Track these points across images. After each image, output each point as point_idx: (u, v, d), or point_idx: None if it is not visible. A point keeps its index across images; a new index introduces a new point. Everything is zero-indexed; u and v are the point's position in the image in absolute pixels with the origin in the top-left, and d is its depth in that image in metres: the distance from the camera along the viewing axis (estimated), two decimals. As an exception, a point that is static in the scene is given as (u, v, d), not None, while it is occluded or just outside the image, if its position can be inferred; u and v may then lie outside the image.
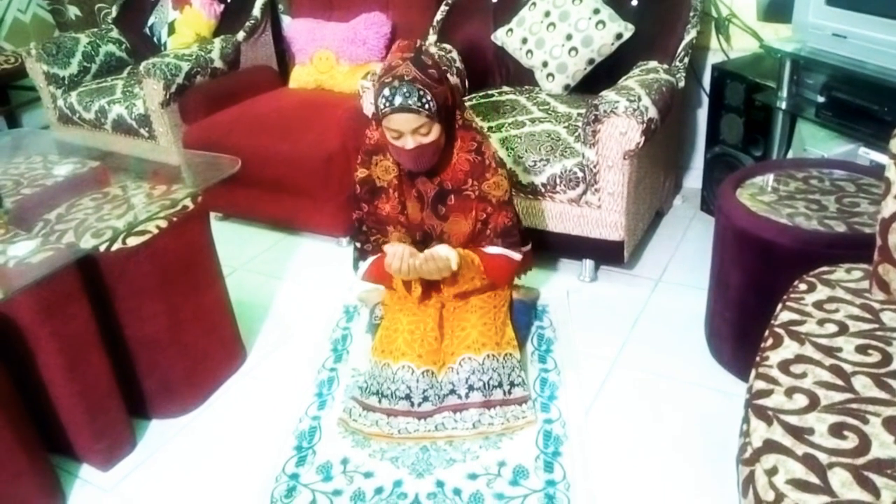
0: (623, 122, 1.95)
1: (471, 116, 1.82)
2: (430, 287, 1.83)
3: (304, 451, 1.72)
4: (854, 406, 1.05)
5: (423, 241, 1.81)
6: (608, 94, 2.01)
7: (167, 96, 2.85)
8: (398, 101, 1.55)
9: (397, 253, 1.67)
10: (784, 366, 1.16)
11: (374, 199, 1.80)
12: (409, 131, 1.60)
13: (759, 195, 1.82)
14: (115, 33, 3.55)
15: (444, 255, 1.69)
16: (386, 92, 1.57)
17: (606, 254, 2.23)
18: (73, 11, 4.00)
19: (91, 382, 1.64)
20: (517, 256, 1.84)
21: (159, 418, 1.89)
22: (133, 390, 1.81)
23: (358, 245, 1.89)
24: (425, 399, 1.74)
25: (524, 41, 2.55)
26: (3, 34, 4.03)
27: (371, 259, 1.87)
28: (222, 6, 3.32)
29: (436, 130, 1.62)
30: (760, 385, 1.13)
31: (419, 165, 1.69)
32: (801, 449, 0.99)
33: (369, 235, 1.85)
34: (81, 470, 1.76)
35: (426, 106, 1.57)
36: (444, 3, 2.78)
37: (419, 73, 1.57)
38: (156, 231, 1.70)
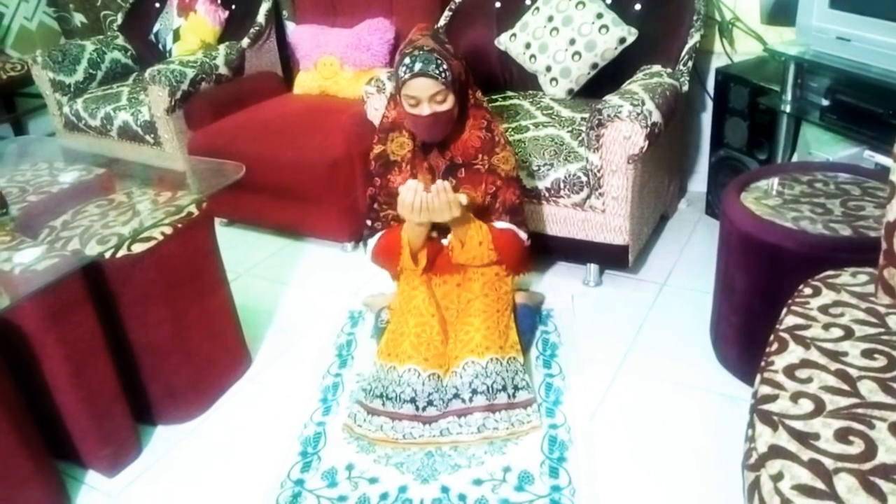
0: (627, 126, 1.95)
1: (481, 97, 1.90)
2: (437, 258, 1.87)
3: (309, 457, 1.72)
4: (860, 411, 1.04)
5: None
6: (612, 99, 2.01)
7: (172, 103, 2.86)
8: (418, 66, 1.67)
9: (411, 185, 1.72)
10: (789, 370, 1.15)
11: (387, 172, 1.89)
12: (427, 97, 1.70)
13: (763, 199, 1.82)
14: (120, 40, 3.57)
15: (454, 195, 1.73)
16: (407, 60, 1.69)
17: (611, 258, 2.23)
18: (78, 19, 4.02)
19: (96, 388, 1.64)
20: (524, 235, 1.90)
21: (165, 424, 1.89)
22: (138, 396, 1.81)
23: (369, 223, 1.95)
24: (430, 403, 1.74)
25: (527, 46, 2.55)
26: (10, 42, 4.06)
27: (381, 233, 1.92)
28: (227, 13, 3.33)
29: (451, 100, 1.73)
30: (766, 390, 1.12)
31: (433, 133, 1.79)
32: (806, 454, 0.98)
33: (380, 212, 1.92)
34: (87, 476, 1.76)
35: (443, 74, 1.69)
36: (448, 8, 2.78)
37: (437, 45, 1.72)
38: (161, 237, 1.70)
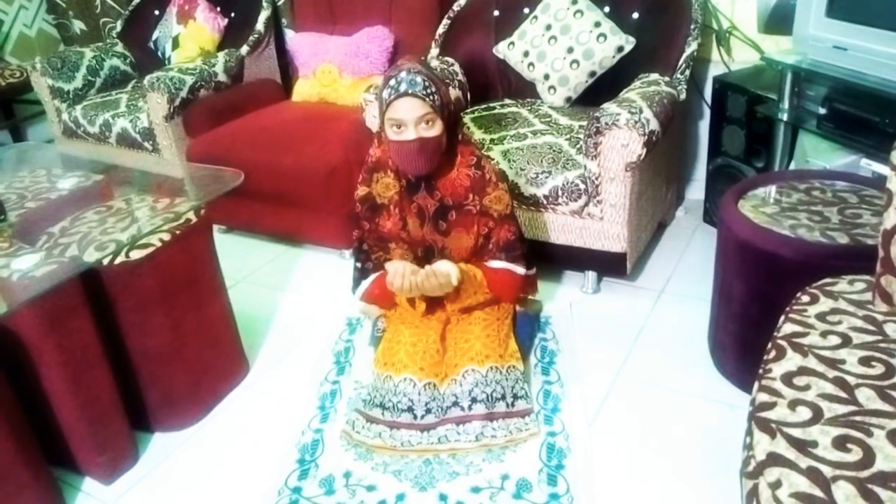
0: (625, 134, 1.95)
1: (468, 133, 1.83)
2: (434, 303, 1.83)
3: (307, 465, 1.72)
4: (858, 418, 1.05)
5: (424, 256, 1.82)
6: (610, 107, 2.01)
7: (171, 110, 2.86)
8: (404, 87, 1.59)
9: (398, 270, 1.68)
10: (787, 378, 1.16)
11: (374, 216, 1.81)
12: (413, 120, 1.61)
13: (761, 207, 1.82)
14: (119, 47, 3.57)
15: (445, 270, 1.70)
16: (392, 82, 1.61)
17: (609, 265, 2.23)
18: (78, 26, 4.03)
19: (94, 395, 1.64)
20: (521, 270, 1.84)
21: (162, 431, 1.89)
22: (136, 403, 1.81)
23: (358, 265, 1.90)
24: (428, 411, 1.74)
25: (526, 54, 2.56)
26: (9, 49, 4.07)
27: (371, 277, 1.87)
28: (226, 20, 3.34)
29: (438, 126, 1.64)
30: (764, 397, 1.12)
31: (419, 165, 1.67)
32: (804, 462, 0.98)
33: (370, 254, 1.86)
34: (84, 483, 1.75)
35: (431, 95, 1.60)
36: (447, 16, 2.79)
37: (425, 69, 1.64)
38: (159, 244, 1.70)
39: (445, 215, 1.78)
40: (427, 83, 1.60)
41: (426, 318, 1.85)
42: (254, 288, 2.54)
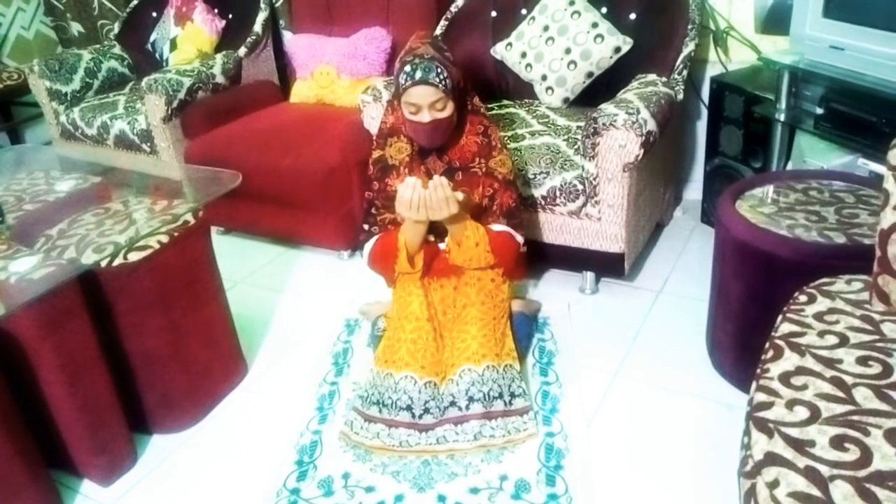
0: (622, 134, 1.96)
1: (479, 103, 1.92)
2: (434, 261, 1.88)
3: (306, 466, 1.72)
4: (855, 418, 1.05)
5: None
6: (607, 107, 2.02)
7: (169, 112, 2.86)
8: (419, 75, 1.70)
9: (409, 182, 1.73)
10: (785, 378, 1.16)
11: (384, 176, 1.91)
12: (427, 105, 1.73)
13: (758, 207, 1.83)
14: (117, 49, 3.57)
15: (451, 191, 1.74)
16: (407, 68, 1.72)
17: (607, 266, 2.23)
18: (75, 28, 4.03)
19: (92, 397, 1.64)
20: (520, 238, 1.92)
21: (160, 433, 1.88)
22: (134, 405, 1.81)
23: (366, 227, 1.97)
24: (426, 411, 1.74)
25: (523, 55, 2.57)
26: (7, 51, 4.06)
27: (378, 237, 1.93)
28: (224, 22, 3.34)
29: (450, 107, 1.76)
30: (761, 397, 1.13)
31: (433, 140, 1.82)
32: (802, 461, 0.98)
33: (377, 216, 1.93)
34: (82, 485, 1.75)
35: (443, 82, 1.71)
36: (444, 17, 2.79)
37: (437, 53, 1.75)
38: (157, 246, 1.70)
39: (452, 176, 1.85)
40: (440, 69, 1.71)
41: (426, 290, 1.85)
42: (252, 289, 2.54)
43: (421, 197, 1.71)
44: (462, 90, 1.83)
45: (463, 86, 1.83)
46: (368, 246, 1.95)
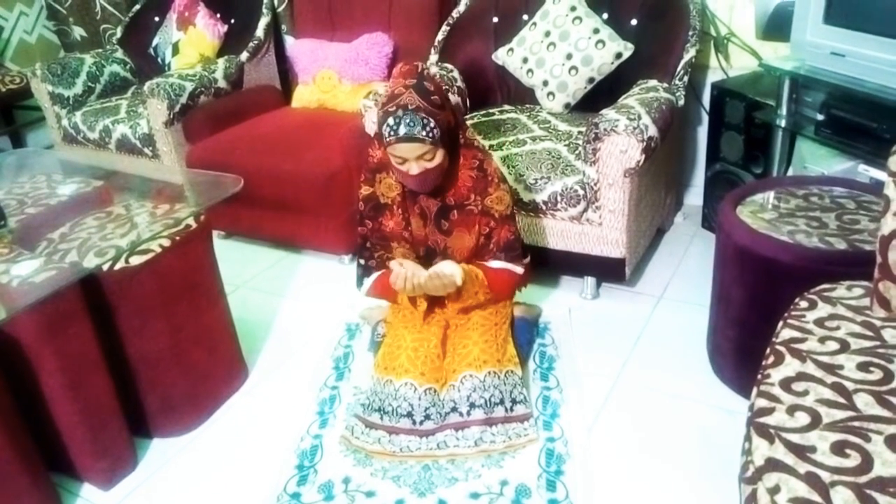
0: (623, 140, 1.96)
1: (472, 135, 1.84)
2: (435, 302, 1.84)
3: (306, 470, 1.72)
4: (856, 424, 1.05)
5: (426, 256, 1.82)
6: (608, 113, 2.02)
7: (171, 116, 2.87)
8: (403, 131, 1.57)
9: (401, 273, 1.69)
10: (786, 384, 1.16)
11: (377, 215, 1.82)
12: (414, 158, 1.63)
13: (759, 212, 1.83)
14: (119, 54, 3.58)
15: (449, 272, 1.71)
16: (391, 121, 1.58)
17: (608, 271, 2.23)
18: (78, 32, 4.03)
19: (93, 401, 1.64)
20: (519, 270, 1.86)
21: (161, 437, 1.88)
22: (135, 409, 1.81)
23: (362, 262, 1.90)
24: (427, 417, 1.74)
25: (525, 60, 2.57)
26: (9, 55, 4.07)
27: (375, 275, 1.88)
28: (226, 27, 3.35)
29: (440, 155, 1.65)
30: (762, 403, 1.13)
31: (424, 187, 1.73)
32: (803, 467, 0.98)
33: (373, 252, 1.87)
34: (83, 489, 1.75)
35: (430, 134, 1.59)
36: (446, 23, 2.80)
37: (422, 102, 1.58)
38: (159, 250, 1.71)
39: (447, 215, 1.79)
40: (426, 121, 1.57)
41: (427, 323, 1.85)
42: (253, 293, 2.54)
43: (416, 285, 1.69)
44: (453, 129, 1.71)
45: (454, 124, 1.71)
46: (367, 283, 1.90)
